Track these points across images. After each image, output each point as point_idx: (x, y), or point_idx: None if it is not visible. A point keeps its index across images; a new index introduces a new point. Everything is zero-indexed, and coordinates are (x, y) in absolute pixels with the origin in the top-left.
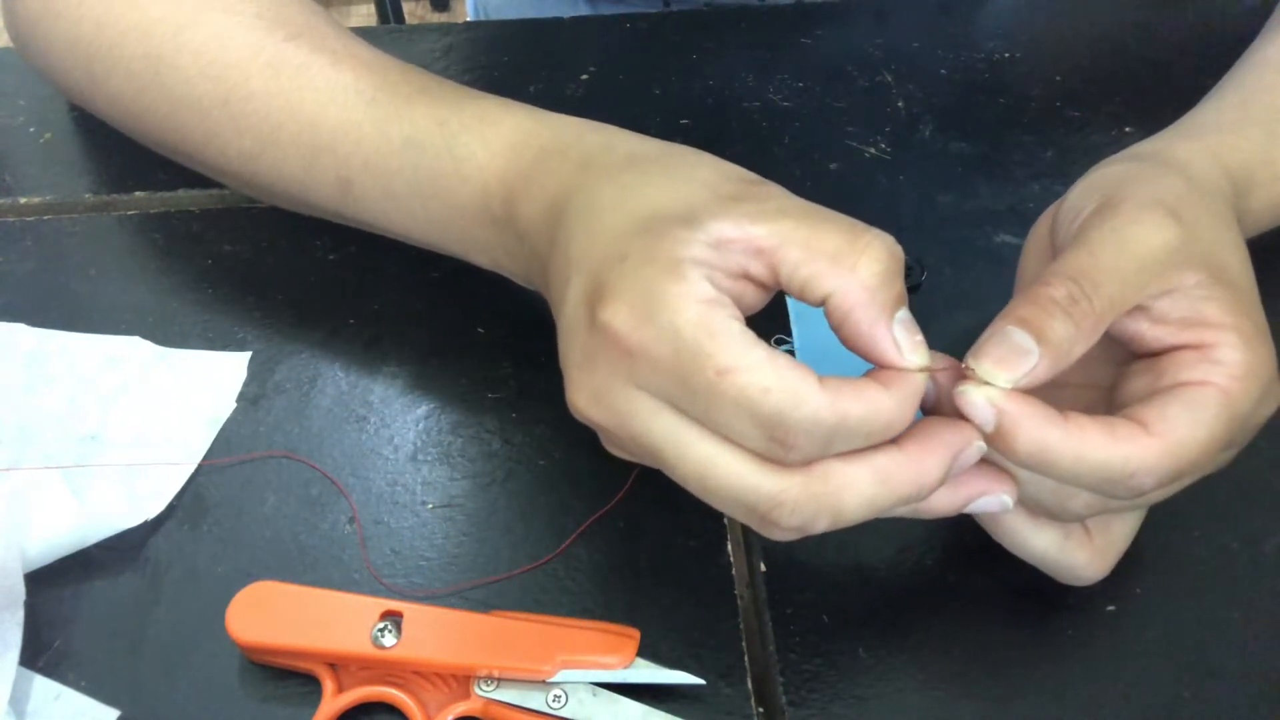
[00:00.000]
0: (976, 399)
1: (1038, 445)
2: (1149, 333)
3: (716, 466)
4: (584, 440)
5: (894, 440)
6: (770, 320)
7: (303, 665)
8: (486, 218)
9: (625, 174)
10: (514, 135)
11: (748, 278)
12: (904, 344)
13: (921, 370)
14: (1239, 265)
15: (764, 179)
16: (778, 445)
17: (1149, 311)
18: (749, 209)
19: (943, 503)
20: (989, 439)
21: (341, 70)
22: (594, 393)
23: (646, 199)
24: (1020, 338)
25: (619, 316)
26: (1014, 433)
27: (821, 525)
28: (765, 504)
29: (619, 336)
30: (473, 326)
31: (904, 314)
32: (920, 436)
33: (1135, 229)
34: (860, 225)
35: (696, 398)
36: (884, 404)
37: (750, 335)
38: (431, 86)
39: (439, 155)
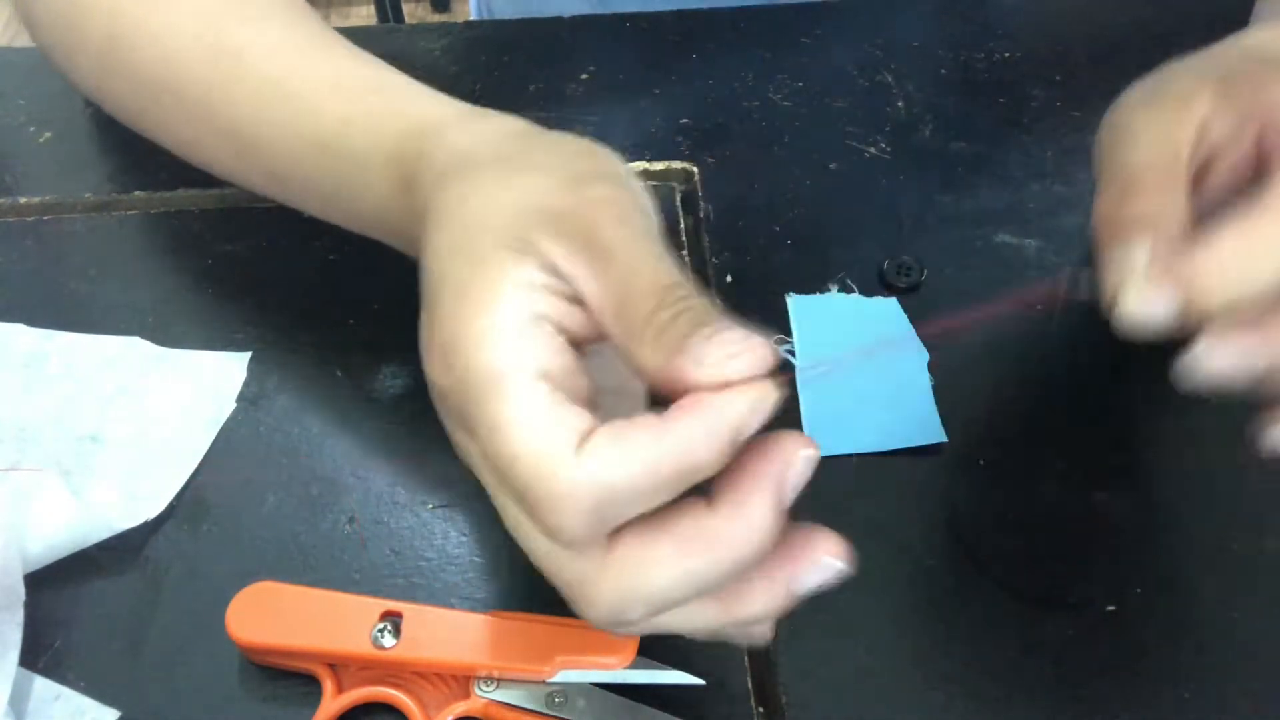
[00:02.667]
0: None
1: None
2: None
3: (528, 539)
4: None
5: (702, 489)
6: (770, 320)
7: (303, 665)
8: (390, 226)
9: (465, 183)
10: (399, 142)
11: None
12: (706, 356)
13: (719, 384)
14: None
15: (615, 182)
16: (541, 526)
17: None
18: (576, 240)
19: (764, 605)
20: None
21: (274, 62)
22: (450, 431)
23: (478, 213)
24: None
25: (432, 358)
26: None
27: (636, 614)
28: (570, 591)
29: (432, 380)
30: None
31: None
32: (731, 477)
33: None
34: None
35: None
36: (670, 448)
37: (537, 388)
38: (345, 79)
39: (342, 158)
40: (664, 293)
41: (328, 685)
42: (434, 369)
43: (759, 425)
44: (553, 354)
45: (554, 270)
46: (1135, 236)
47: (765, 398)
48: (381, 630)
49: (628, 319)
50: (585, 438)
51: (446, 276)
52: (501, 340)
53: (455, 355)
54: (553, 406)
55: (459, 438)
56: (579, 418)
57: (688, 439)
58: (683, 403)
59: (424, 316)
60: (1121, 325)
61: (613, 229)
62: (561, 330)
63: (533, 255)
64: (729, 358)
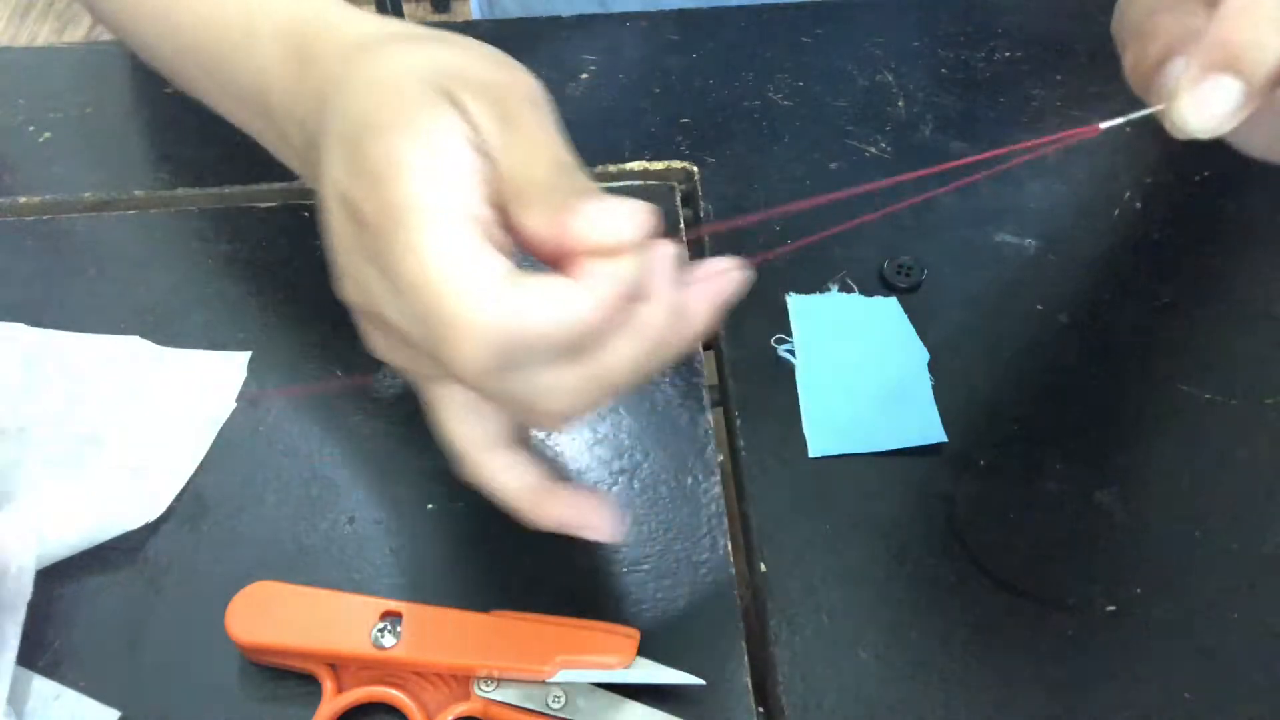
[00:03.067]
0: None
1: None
2: None
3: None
4: (584, 439)
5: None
6: (770, 320)
7: (303, 665)
8: (266, 101)
9: (385, 48)
10: (294, 13)
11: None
12: (596, 218)
13: (606, 245)
14: None
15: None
16: (446, 353)
17: None
18: (494, 105)
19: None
20: None
21: None
22: (349, 275)
23: (404, 64)
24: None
25: (355, 183)
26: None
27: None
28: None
29: (352, 204)
30: None
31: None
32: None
33: None
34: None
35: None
36: (578, 306)
37: (467, 224)
38: None
39: (230, 27)
40: (562, 166)
41: (328, 685)
42: (355, 192)
43: (647, 285)
44: (482, 202)
45: (474, 126)
46: (1168, 60)
47: (653, 258)
48: (381, 630)
49: (527, 184)
50: (505, 281)
51: (372, 113)
52: (442, 174)
53: (388, 181)
54: (482, 245)
55: (364, 272)
56: (503, 263)
57: (589, 295)
58: (581, 269)
59: (341, 155)
60: (1187, 131)
61: (523, 105)
62: (485, 184)
63: (458, 108)
64: (615, 219)
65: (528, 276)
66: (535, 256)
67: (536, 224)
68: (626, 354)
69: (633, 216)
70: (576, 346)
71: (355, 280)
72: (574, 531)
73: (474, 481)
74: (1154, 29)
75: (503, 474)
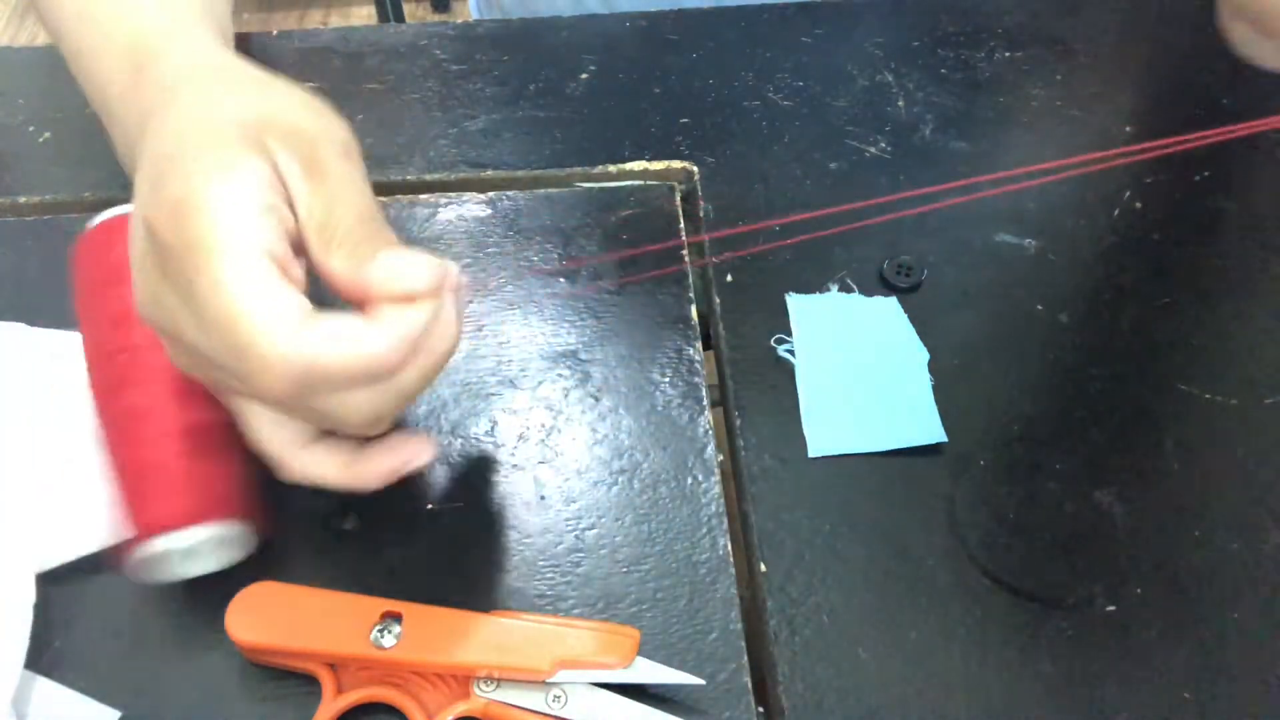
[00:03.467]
0: None
1: None
2: None
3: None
4: (575, 438)
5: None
6: (770, 320)
7: (303, 665)
8: (106, 102)
9: (209, 82)
10: (137, 30)
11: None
12: (393, 269)
13: (400, 294)
14: None
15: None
16: (249, 379)
17: None
18: (302, 155)
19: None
20: None
21: None
22: (148, 295)
23: (221, 107)
24: None
25: (159, 214)
26: None
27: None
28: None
29: (156, 235)
30: (473, 328)
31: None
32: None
33: None
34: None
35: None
36: (370, 345)
37: (266, 262)
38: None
39: (94, 25)
40: (364, 216)
41: (328, 685)
42: (155, 220)
43: (434, 330)
44: (279, 241)
45: (278, 172)
46: None
47: (440, 307)
48: (381, 630)
49: (329, 232)
50: (303, 318)
51: (188, 146)
52: (241, 212)
53: (191, 215)
54: (280, 282)
55: (163, 294)
56: (300, 300)
57: (384, 338)
58: (379, 311)
59: (148, 181)
60: None
61: (332, 156)
62: (283, 225)
63: (265, 154)
64: (411, 270)
65: (323, 315)
66: (338, 296)
67: (337, 268)
68: (415, 375)
69: (427, 269)
70: (370, 377)
71: (155, 301)
72: (401, 475)
73: (291, 480)
74: None
75: (315, 467)
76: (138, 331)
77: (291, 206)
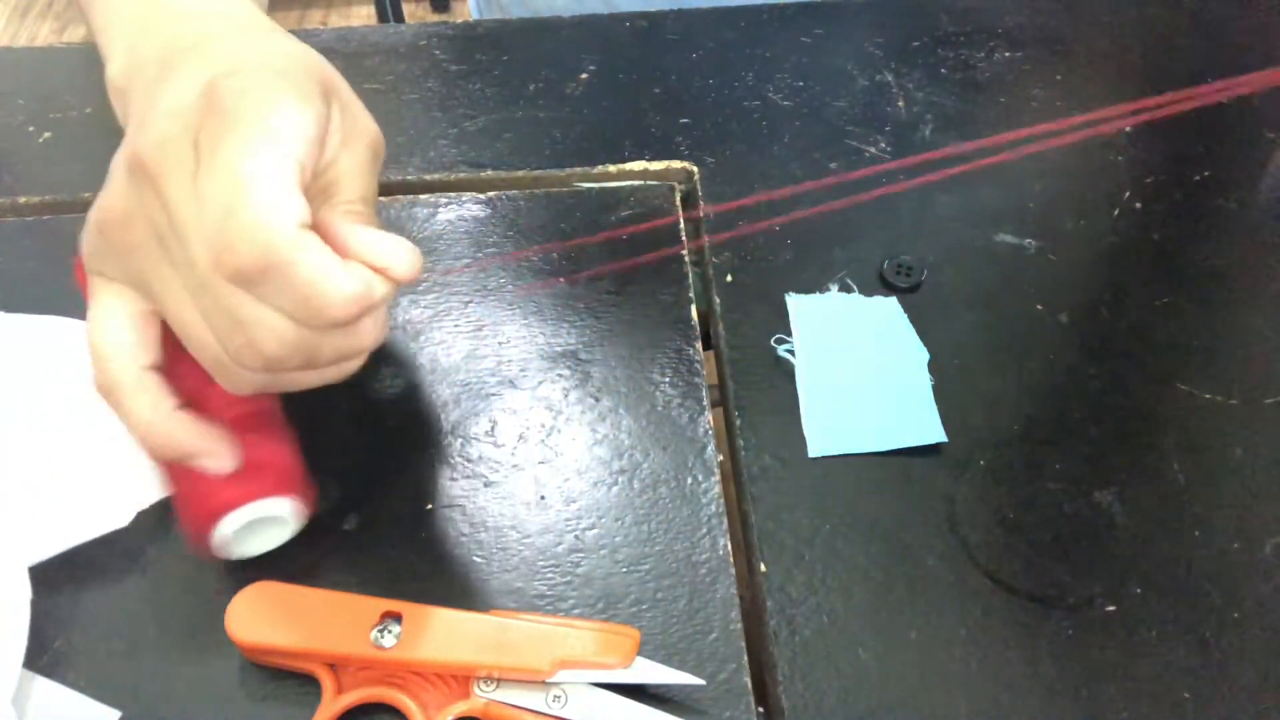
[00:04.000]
0: None
1: None
2: None
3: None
4: (575, 438)
5: None
6: (771, 320)
7: (303, 665)
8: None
9: (289, 38)
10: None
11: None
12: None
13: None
14: None
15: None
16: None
17: None
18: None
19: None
20: None
21: None
22: (119, 196)
23: (281, 50)
24: None
25: (231, 79)
26: None
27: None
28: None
29: (216, 89)
30: (473, 328)
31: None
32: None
33: None
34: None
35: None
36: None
37: (294, 167)
38: None
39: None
40: (369, 200)
41: (328, 685)
42: (224, 89)
43: (373, 318)
44: (308, 168)
45: (330, 124)
46: None
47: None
48: (381, 630)
49: (338, 190)
50: (302, 218)
51: (274, 63)
52: (299, 125)
53: (261, 97)
54: (297, 187)
55: (154, 188)
56: (306, 211)
57: (351, 283)
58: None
59: (214, 64)
60: None
61: (363, 144)
62: (313, 163)
63: (328, 105)
64: (398, 248)
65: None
66: None
67: (328, 218)
68: (333, 346)
69: (411, 255)
70: (313, 309)
71: (127, 196)
72: (193, 462)
73: (107, 392)
74: None
75: (139, 393)
76: None
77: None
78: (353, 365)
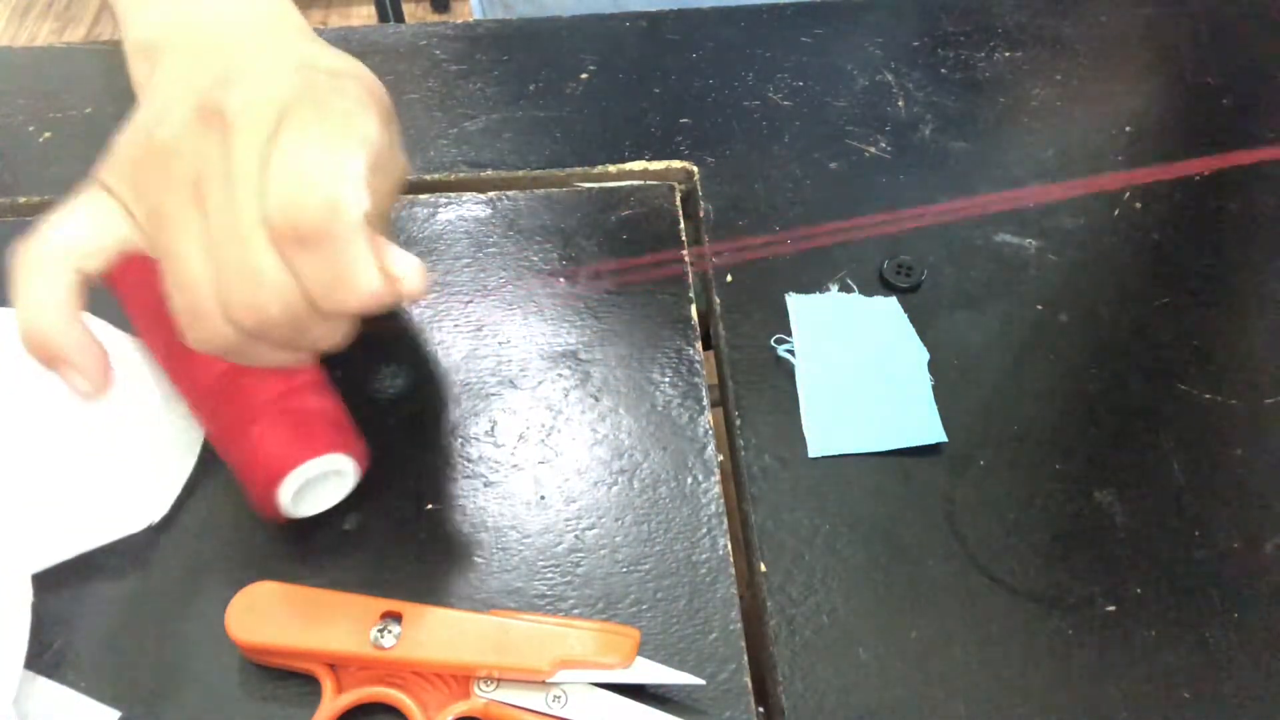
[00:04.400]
0: None
1: None
2: None
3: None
4: (575, 438)
5: None
6: (770, 320)
7: (303, 665)
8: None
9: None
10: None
11: None
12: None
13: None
14: None
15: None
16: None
17: None
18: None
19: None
20: None
21: None
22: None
23: (360, 71)
24: None
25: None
26: None
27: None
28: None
29: (283, 83)
30: (473, 328)
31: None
32: None
33: None
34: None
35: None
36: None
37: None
38: None
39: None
40: (384, 213)
41: (328, 685)
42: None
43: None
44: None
45: (385, 148)
46: None
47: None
48: (381, 630)
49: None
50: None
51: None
52: (380, 133)
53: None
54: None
55: (205, 122)
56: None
57: (372, 272)
58: None
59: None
60: None
61: (398, 165)
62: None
63: (387, 131)
64: (410, 263)
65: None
66: None
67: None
68: (317, 333)
69: (420, 273)
70: (338, 288)
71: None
72: (58, 368)
73: (21, 265)
74: None
75: (46, 277)
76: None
77: None
78: (306, 359)
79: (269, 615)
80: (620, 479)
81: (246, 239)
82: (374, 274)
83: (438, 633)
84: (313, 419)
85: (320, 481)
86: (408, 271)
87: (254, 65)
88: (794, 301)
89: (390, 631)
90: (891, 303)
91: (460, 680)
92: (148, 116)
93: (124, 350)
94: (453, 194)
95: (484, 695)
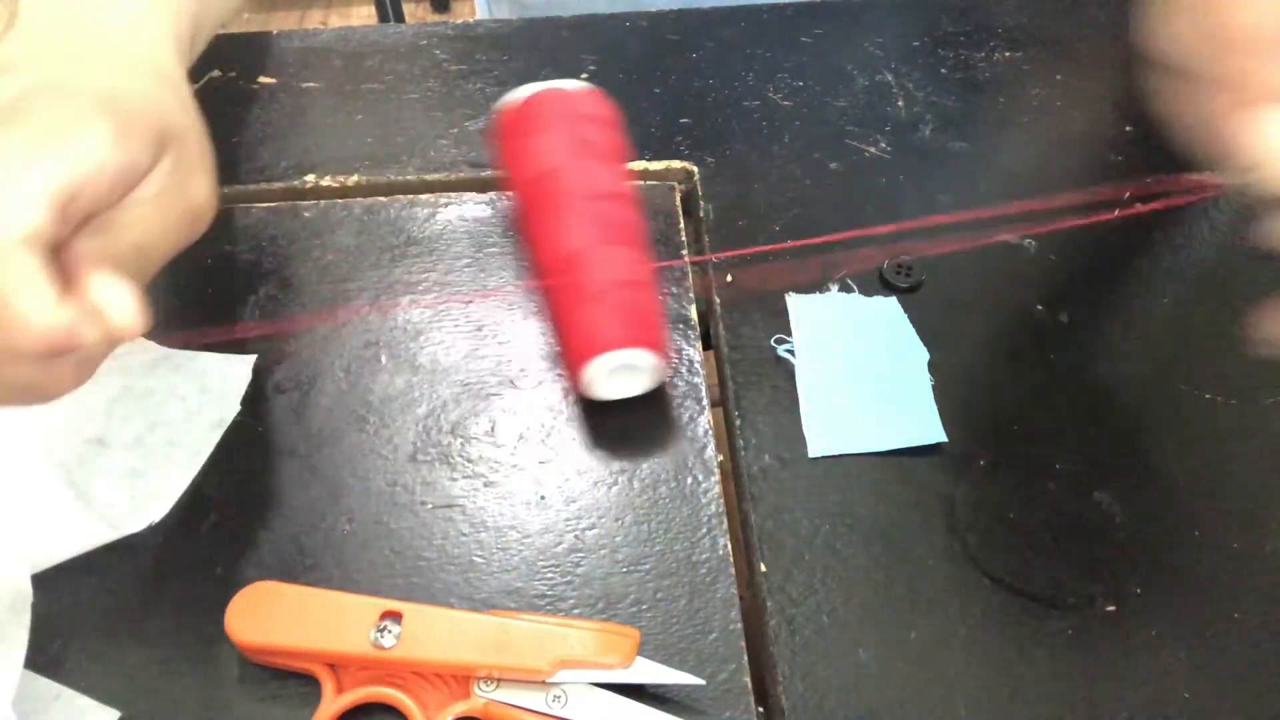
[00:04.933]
0: None
1: None
2: None
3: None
4: (575, 438)
5: None
6: (770, 320)
7: (303, 665)
8: None
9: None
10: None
11: None
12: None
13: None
14: None
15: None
16: None
17: None
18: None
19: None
20: None
21: None
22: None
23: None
24: None
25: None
26: None
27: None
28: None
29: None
30: (473, 328)
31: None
32: None
33: None
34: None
35: None
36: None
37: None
38: None
39: None
40: (144, 248)
41: (328, 685)
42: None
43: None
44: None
45: (131, 166)
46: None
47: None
48: (381, 630)
49: (110, 229)
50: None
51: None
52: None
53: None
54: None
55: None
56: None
57: (62, 314)
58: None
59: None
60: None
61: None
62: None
63: (148, 150)
64: (129, 301)
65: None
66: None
67: (83, 249)
68: (18, 376)
69: (136, 312)
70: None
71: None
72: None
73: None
74: (1243, 78)
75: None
76: (563, 180)
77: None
78: (36, 402)
79: (269, 615)
80: (620, 479)
81: None
82: (44, 305)
83: (437, 633)
84: (640, 315)
85: (627, 372)
86: (116, 304)
87: (17, 64)
88: (794, 301)
89: (390, 631)
90: (891, 303)
91: (460, 680)
92: None
93: (129, 350)
94: (453, 194)
95: (484, 695)
